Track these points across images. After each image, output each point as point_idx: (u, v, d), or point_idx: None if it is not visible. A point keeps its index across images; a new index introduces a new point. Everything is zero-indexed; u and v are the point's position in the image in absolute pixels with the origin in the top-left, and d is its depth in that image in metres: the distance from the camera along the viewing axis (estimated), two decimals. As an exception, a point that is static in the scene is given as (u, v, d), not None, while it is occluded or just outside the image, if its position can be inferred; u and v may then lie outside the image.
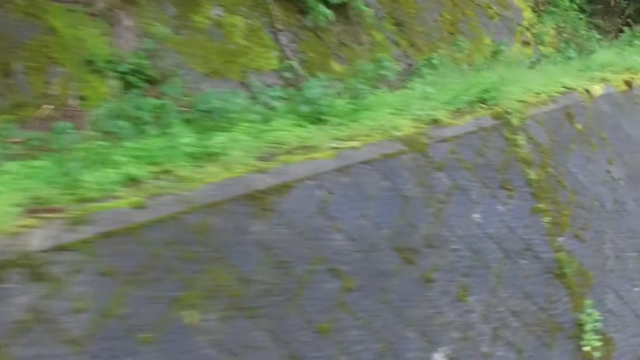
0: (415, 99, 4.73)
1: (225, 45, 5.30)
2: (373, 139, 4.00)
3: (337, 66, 5.80)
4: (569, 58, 6.74)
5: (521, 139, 4.67)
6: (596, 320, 4.33)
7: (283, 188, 3.47)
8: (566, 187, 4.80)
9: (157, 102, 4.43)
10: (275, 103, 4.59)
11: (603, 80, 5.83)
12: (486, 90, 4.75)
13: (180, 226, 3.11)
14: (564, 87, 5.45)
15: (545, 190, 4.64)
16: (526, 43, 7.47)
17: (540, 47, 7.47)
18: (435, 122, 4.36)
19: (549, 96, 5.20)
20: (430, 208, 3.96)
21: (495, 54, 6.48)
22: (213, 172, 3.45)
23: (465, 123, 4.46)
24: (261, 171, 3.48)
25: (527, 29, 7.58)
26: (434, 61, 5.74)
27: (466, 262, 3.96)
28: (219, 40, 5.28)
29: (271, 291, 3.21)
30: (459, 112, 4.62)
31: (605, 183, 5.14)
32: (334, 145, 3.86)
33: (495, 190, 4.34)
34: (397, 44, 6.33)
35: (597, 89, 5.62)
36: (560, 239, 4.55)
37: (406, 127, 4.21)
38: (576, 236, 4.67)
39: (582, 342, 4.28)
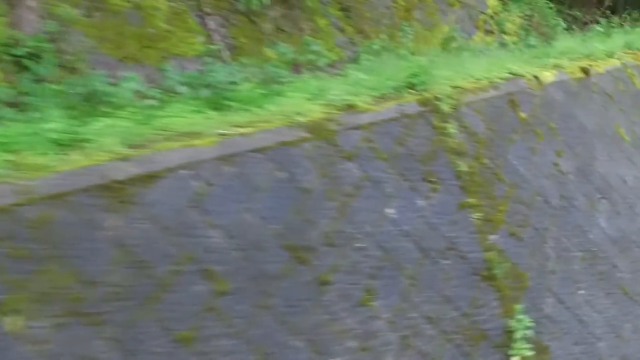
0: (339, 84, 4.29)
1: (144, 29, 4.89)
2: (271, 125, 3.56)
3: (271, 53, 5.37)
4: (530, 46, 6.26)
5: (452, 127, 4.21)
6: (527, 327, 3.85)
7: (148, 178, 3.02)
8: (504, 181, 4.34)
9: (50, 87, 4.03)
10: (182, 88, 4.17)
11: (557, 67, 5.35)
12: (415, 75, 4.29)
13: (12, 220, 2.67)
14: (510, 73, 4.97)
15: (477, 183, 4.18)
16: (489, 32, 7.01)
17: (504, 36, 7.00)
18: (350, 107, 3.90)
19: (491, 82, 4.73)
20: (334, 202, 3.50)
21: (448, 41, 6.03)
22: (70, 160, 3.01)
23: (385, 109, 4.00)
24: (124, 159, 3.04)
25: (492, 17, 7.11)
26: (375, 47, 5.29)
27: (373, 263, 3.51)
28: (137, 24, 4.87)
29: (121, 294, 2.77)
30: (382, 98, 4.16)
31: (551, 176, 4.66)
32: (222, 131, 3.42)
33: (416, 183, 3.88)
34: (342, 30, 5.89)
35: (548, 76, 5.14)
36: (493, 237, 4.08)
37: (315, 112, 3.76)
38: (512, 234, 4.20)
39: (510, 352, 3.81)
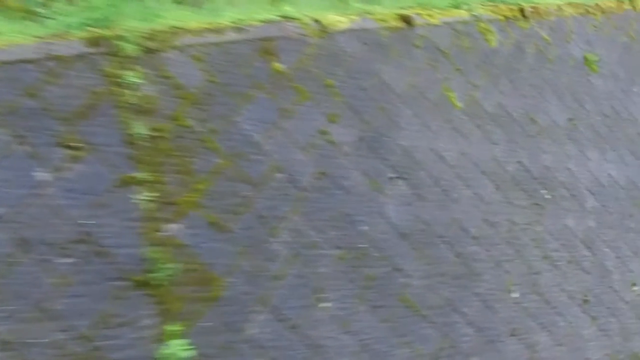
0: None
1: None
2: None
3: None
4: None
5: (136, 76, 2.92)
6: (184, 358, 2.57)
7: None
8: (217, 150, 3.05)
9: None
10: None
11: (365, 13, 4.03)
12: (96, 8, 3.05)
13: None
14: (281, 15, 3.69)
15: (163, 152, 2.89)
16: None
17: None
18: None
19: (236, 24, 3.46)
20: None
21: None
22: None
23: (19, 49, 2.77)
24: None
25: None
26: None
27: None
28: None
29: None
30: (39, 37, 2.93)
31: (310, 147, 3.34)
32: None
33: (41, 148, 2.60)
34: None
35: (340, 22, 3.82)
36: (172, 227, 2.80)
37: None
38: (212, 223, 2.91)
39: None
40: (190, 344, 2.58)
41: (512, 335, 3.75)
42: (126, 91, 2.90)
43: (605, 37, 5.51)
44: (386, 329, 3.22)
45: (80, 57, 2.86)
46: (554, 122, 4.69)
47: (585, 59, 5.22)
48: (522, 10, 4.93)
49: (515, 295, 3.88)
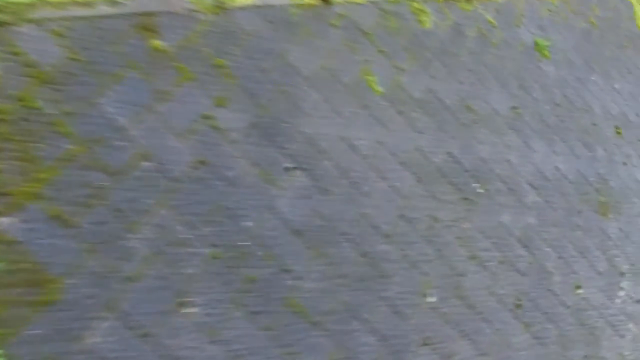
0: None
1: None
2: None
3: None
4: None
5: (-26, 52, 2.60)
6: (-8, 371, 2.22)
7: None
8: (70, 135, 2.69)
9: None
10: None
11: (274, -11, 3.67)
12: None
13: None
14: (171, -10, 3.33)
15: (3, 137, 2.56)
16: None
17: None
18: None
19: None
20: None
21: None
22: None
23: None
24: None
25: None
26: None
27: None
28: None
29: None
30: None
31: (187, 134, 2.97)
32: None
33: None
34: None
35: (241, -3, 3.47)
36: (2, 221, 2.44)
37: None
38: (54, 217, 2.55)
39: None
40: (4, 355, 2.23)
41: (425, 344, 3.35)
42: (-45, 68, 2.56)
43: (562, 22, 5.09)
44: (266, 337, 2.84)
45: None
46: (495, 111, 4.28)
47: (536, 44, 4.80)
48: (463, -9, 4.53)
49: (431, 299, 3.48)
